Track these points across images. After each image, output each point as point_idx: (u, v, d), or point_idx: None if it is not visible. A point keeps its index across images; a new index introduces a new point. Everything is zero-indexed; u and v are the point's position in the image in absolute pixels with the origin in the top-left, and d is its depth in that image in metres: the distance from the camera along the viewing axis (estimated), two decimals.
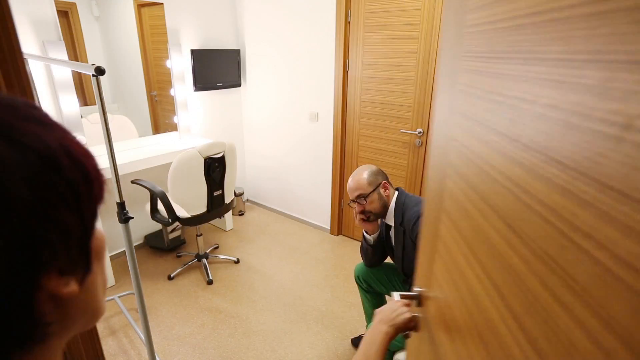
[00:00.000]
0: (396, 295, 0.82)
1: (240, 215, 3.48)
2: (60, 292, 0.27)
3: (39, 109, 0.28)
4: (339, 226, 3.10)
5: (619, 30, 0.21)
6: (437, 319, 0.60)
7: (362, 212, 1.50)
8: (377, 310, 0.87)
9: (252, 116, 3.43)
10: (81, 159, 0.29)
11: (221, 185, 2.37)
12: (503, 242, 0.36)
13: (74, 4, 2.34)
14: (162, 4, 2.70)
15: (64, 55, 2.19)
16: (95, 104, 1.21)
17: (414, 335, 0.81)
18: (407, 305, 0.84)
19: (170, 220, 2.20)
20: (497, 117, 0.39)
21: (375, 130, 2.66)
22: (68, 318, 0.29)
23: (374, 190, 1.47)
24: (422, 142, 2.46)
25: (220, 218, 3.09)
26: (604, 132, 0.22)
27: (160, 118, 2.97)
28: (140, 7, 2.64)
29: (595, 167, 0.23)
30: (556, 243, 0.27)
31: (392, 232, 1.56)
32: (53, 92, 2.21)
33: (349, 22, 2.55)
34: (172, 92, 2.90)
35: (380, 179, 1.50)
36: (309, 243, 2.99)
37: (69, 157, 0.27)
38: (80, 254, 0.29)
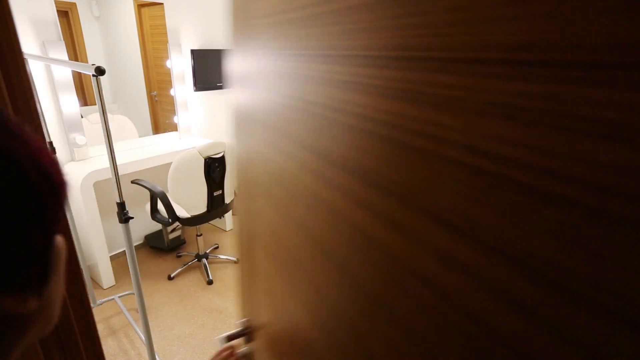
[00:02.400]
0: (220, 340, 0.66)
1: None
2: (17, 311, 0.26)
3: (5, 114, 0.27)
4: None
5: None
6: (270, 348, 0.55)
7: None
8: None
9: None
10: (49, 170, 0.27)
11: (221, 186, 2.38)
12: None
13: (74, 4, 2.34)
14: (162, 4, 2.70)
15: (64, 55, 2.19)
16: (96, 104, 1.21)
17: None
18: (230, 351, 0.68)
19: (170, 220, 2.21)
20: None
21: None
22: (22, 332, 0.28)
23: None
24: None
25: (221, 218, 3.08)
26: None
27: (160, 118, 2.97)
28: (140, 7, 2.65)
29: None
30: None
31: None
32: (53, 92, 2.21)
33: None
34: (172, 92, 2.90)
35: None
36: None
37: (38, 171, 0.26)
38: (41, 268, 0.28)
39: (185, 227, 2.95)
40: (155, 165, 2.51)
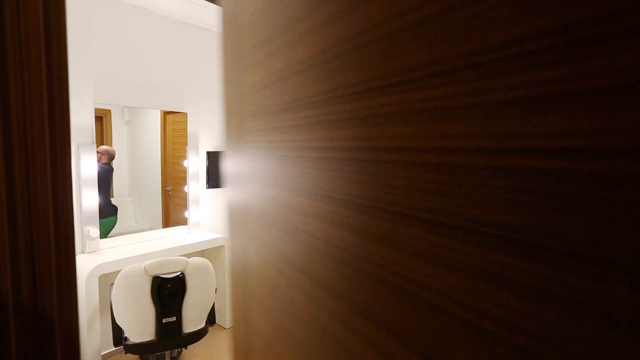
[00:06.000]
0: None
1: None
2: None
3: None
4: None
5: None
6: None
7: None
8: None
9: None
10: None
11: (174, 312, 1.95)
12: None
13: (109, 110, 2.67)
14: (186, 112, 3.06)
15: (93, 156, 2.43)
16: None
17: None
18: None
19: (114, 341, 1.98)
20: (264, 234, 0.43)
21: None
22: None
23: None
24: None
25: (184, 349, 2.55)
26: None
27: (172, 212, 3.11)
28: (166, 114, 3.00)
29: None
30: None
31: None
32: (77, 188, 2.39)
33: None
34: (185, 188, 3.09)
35: None
36: None
37: None
38: None
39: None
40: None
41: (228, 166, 0.60)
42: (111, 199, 2.70)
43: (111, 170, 2.66)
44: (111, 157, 2.64)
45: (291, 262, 0.37)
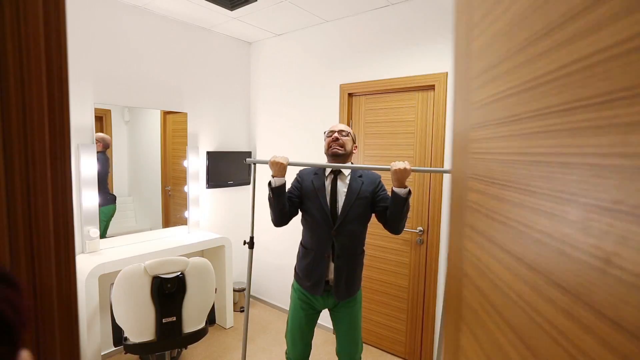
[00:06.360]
0: None
1: (241, 311, 3.38)
2: None
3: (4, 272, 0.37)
4: None
5: (588, 176, 0.25)
6: None
7: (337, 141, 1.73)
8: None
9: (259, 212, 3.58)
10: (22, 310, 0.36)
11: (175, 311, 1.95)
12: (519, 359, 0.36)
13: (109, 110, 2.66)
14: (185, 112, 3.06)
15: (93, 156, 2.42)
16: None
17: None
18: None
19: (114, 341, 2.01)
20: (501, 234, 0.42)
21: (378, 228, 2.74)
22: None
23: (352, 139, 1.79)
24: (423, 240, 2.52)
25: (184, 349, 2.56)
26: (590, 263, 0.24)
27: (172, 212, 3.11)
28: (166, 114, 3.00)
29: (589, 294, 0.24)
30: None
31: (342, 181, 1.75)
32: (77, 187, 2.39)
33: None
34: (185, 188, 3.09)
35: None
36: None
37: (13, 310, 0.35)
38: None
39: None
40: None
41: (454, 167, 0.63)
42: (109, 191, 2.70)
43: (106, 158, 2.63)
44: (106, 144, 2.61)
45: (520, 259, 0.37)
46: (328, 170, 1.77)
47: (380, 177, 1.78)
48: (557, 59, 0.31)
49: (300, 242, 1.85)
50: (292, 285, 1.87)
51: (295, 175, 1.87)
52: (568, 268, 0.27)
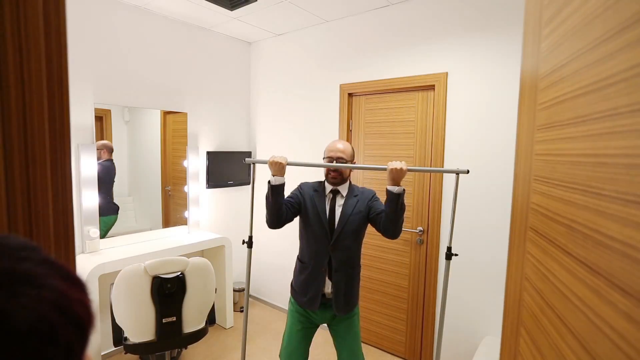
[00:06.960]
0: None
1: (241, 311, 3.38)
2: None
3: (34, 254, 0.33)
4: None
5: None
6: None
7: (335, 171, 1.77)
8: None
9: (259, 212, 3.58)
10: (75, 310, 0.32)
11: (175, 311, 1.95)
12: None
13: (109, 110, 2.66)
14: (185, 112, 3.06)
15: (93, 156, 2.42)
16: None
17: None
18: None
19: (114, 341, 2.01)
20: (565, 237, 0.42)
21: None
22: None
23: (350, 162, 1.80)
24: (423, 240, 2.52)
25: (184, 349, 2.56)
26: None
27: (172, 212, 3.11)
28: (166, 114, 3.00)
29: None
30: None
31: (340, 201, 1.79)
32: (77, 188, 2.39)
33: (351, 131, 2.84)
34: (185, 188, 3.09)
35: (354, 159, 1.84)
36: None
37: (64, 315, 0.31)
38: None
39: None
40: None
41: (517, 169, 0.65)
42: (114, 198, 2.70)
43: (113, 167, 2.66)
44: (110, 150, 2.63)
45: (579, 259, 0.37)
46: (327, 190, 1.82)
47: (375, 192, 1.83)
48: (628, 58, 0.31)
49: (297, 257, 1.87)
50: (289, 300, 1.89)
51: (296, 185, 1.90)
52: (631, 271, 0.27)
